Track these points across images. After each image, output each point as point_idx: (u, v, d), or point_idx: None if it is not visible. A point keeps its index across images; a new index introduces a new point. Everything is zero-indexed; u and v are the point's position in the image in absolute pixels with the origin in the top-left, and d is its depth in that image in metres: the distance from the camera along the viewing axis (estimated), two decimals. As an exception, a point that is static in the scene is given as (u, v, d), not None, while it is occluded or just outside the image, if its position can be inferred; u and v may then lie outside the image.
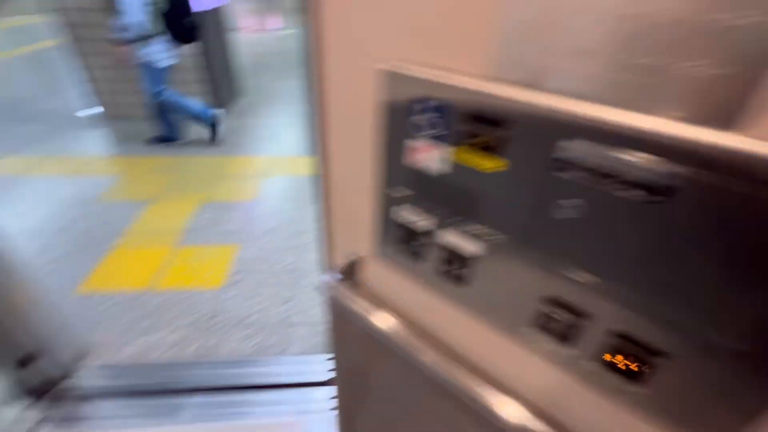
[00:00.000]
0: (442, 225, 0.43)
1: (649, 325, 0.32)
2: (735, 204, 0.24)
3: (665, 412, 0.34)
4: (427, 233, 0.45)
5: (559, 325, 0.37)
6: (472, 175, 0.37)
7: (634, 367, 0.34)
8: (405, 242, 0.48)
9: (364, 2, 0.38)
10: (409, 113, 0.39)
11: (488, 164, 0.35)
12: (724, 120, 0.24)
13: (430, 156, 0.39)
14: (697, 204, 0.26)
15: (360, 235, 0.55)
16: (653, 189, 0.27)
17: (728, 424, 0.30)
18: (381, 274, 0.56)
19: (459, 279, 0.44)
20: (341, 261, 0.59)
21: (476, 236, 0.40)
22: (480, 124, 0.35)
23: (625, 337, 0.34)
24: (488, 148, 0.35)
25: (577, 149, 0.29)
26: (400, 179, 0.44)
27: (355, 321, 0.56)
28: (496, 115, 0.33)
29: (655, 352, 0.32)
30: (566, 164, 0.30)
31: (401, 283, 0.53)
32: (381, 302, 0.56)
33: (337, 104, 0.47)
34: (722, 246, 0.26)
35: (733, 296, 0.26)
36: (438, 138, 0.38)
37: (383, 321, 0.54)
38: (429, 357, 0.50)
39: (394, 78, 0.38)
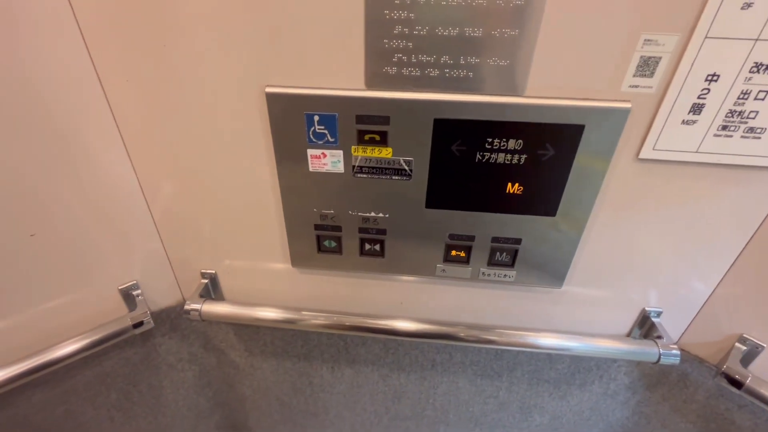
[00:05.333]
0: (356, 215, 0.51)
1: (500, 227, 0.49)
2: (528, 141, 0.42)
3: (527, 277, 0.53)
4: (344, 225, 0.52)
5: (460, 250, 0.52)
6: (374, 164, 0.46)
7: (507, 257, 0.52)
8: (324, 240, 0.54)
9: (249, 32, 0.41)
10: (307, 126, 0.44)
11: (383, 153, 0.45)
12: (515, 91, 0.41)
13: (333, 158, 0.46)
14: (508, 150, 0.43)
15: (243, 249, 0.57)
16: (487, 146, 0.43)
17: (559, 266, 0.51)
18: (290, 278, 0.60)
19: (379, 253, 0.54)
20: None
21: (385, 213, 0.50)
22: (366, 125, 0.44)
23: (497, 240, 0.51)
24: (377, 142, 0.45)
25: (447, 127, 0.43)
26: (307, 187, 0.49)
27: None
28: (377, 114, 0.43)
29: (515, 242, 0.50)
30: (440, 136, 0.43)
31: (323, 279, 0.59)
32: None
33: (226, 127, 0.47)
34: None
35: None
36: (334, 142, 0.45)
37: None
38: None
39: (284, 98, 0.43)
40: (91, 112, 0.46)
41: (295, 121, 0.45)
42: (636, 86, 0.39)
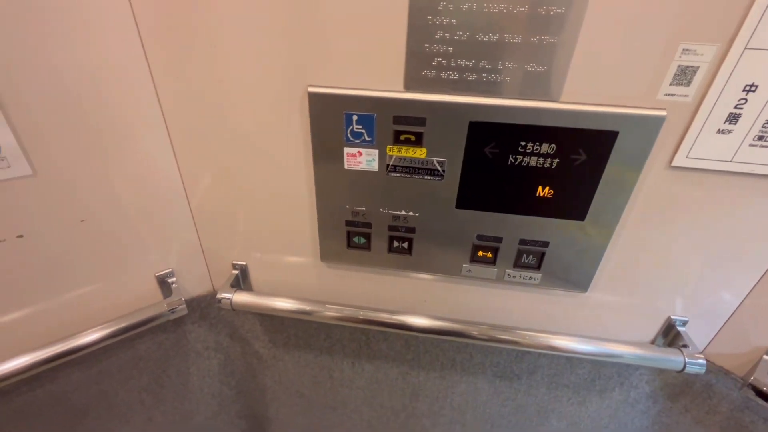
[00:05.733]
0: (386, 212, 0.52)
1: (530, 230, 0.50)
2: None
3: (553, 280, 0.54)
4: (374, 223, 0.53)
5: (486, 251, 0.53)
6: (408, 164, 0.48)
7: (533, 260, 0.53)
8: (354, 236, 0.55)
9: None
10: (345, 125, 0.46)
11: (418, 153, 0.47)
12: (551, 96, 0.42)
13: (369, 157, 0.48)
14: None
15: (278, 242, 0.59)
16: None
17: (586, 271, 0.52)
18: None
19: (407, 251, 0.55)
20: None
21: (414, 212, 0.52)
22: (402, 125, 0.46)
23: (524, 242, 0.51)
24: (412, 142, 0.47)
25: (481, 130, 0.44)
26: (341, 184, 0.51)
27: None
28: (414, 116, 0.44)
29: (542, 244, 0.51)
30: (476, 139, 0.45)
31: (352, 275, 0.60)
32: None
33: (266, 124, 0.49)
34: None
35: (574, 195, 0.46)
36: (371, 141, 0.47)
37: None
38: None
39: (325, 98, 0.45)
40: (142, 107, 0.48)
41: (334, 120, 0.46)
42: (672, 95, 0.40)
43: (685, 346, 0.54)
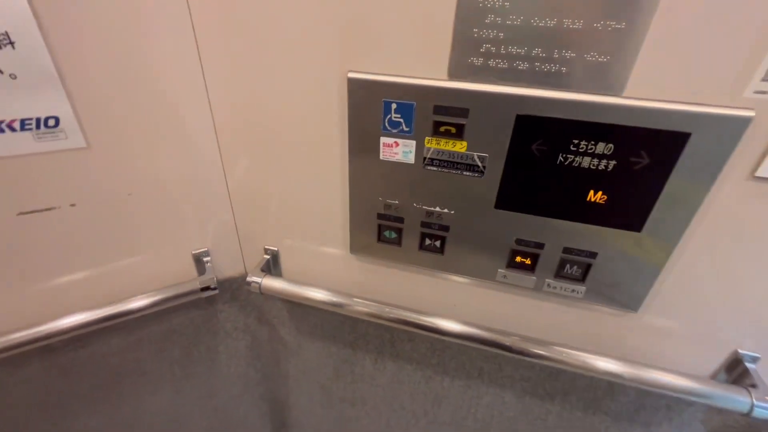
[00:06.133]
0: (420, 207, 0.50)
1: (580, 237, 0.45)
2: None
3: (598, 295, 0.49)
4: (406, 217, 0.51)
5: (525, 257, 0.49)
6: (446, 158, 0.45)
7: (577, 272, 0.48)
8: (385, 230, 0.54)
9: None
10: (383, 113, 0.44)
11: (457, 147, 0.44)
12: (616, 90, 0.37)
13: (406, 148, 0.46)
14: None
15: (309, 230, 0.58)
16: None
17: (638, 288, 0.47)
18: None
19: (439, 249, 0.53)
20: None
21: (450, 209, 0.49)
22: (443, 116, 0.43)
23: (568, 251, 0.47)
24: (452, 135, 0.44)
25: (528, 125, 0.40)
26: (376, 175, 0.49)
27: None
28: (456, 106, 0.42)
29: (589, 255, 0.46)
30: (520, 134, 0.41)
31: (380, 269, 0.59)
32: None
33: (305, 110, 0.49)
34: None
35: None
36: (408, 132, 0.45)
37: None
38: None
39: (364, 84, 0.44)
40: (188, 90, 0.50)
41: (373, 108, 0.45)
42: (763, 92, 0.34)
43: (753, 386, 0.47)
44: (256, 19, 0.44)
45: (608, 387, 0.60)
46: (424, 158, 0.46)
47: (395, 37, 0.41)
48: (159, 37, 0.45)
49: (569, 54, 0.37)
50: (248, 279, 0.61)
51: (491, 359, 0.63)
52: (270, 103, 0.50)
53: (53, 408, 0.66)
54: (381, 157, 0.48)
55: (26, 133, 0.44)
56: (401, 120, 0.45)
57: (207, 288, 0.61)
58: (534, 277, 0.51)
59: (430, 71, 0.41)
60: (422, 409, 0.78)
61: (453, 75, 0.41)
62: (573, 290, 0.50)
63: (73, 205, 0.51)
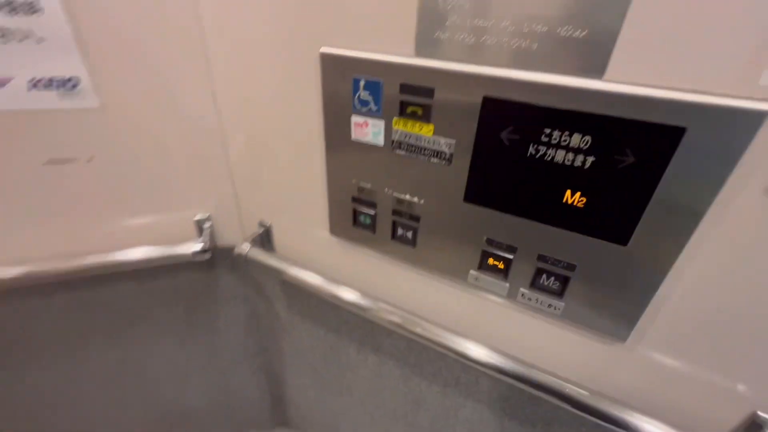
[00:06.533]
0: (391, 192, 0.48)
1: (558, 246, 0.40)
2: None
3: (579, 315, 0.42)
4: (379, 203, 0.49)
5: (498, 260, 0.44)
6: (412, 141, 0.43)
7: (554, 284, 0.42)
8: (359, 215, 0.52)
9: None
10: (353, 91, 0.43)
11: (424, 130, 0.41)
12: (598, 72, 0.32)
13: (375, 129, 0.44)
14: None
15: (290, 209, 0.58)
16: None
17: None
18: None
19: (410, 241, 0.50)
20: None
21: (420, 196, 0.46)
22: (408, 95, 0.40)
23: (544, 259, 0.41)
24: (418, 117, 0.41)
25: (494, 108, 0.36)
26: (348, 155, 0.48)
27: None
28: (421, 85, 0.39)
29: (567, 267, 0.40)
30: (487, 120, 0.37)
31: (356, 255, 0.57)
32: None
33: (285, 85, 0.50)
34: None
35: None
36: (377, 111, 0.43)
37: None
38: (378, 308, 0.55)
39: (336, 60, 0.43)
40: (192, 63, 0.53)
41: (344, 86, 0.44)
42: (784, 79, 0.26)
43: (771, 460, 0.37)
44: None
45: (596, 427, 0.52)
46: (393, 141, 0.44)
47: (364, 9, 0.39)
48: (168, 14, 0.49)
49: (540, 27, 0.32)
50: (235, 248, 0.63)
51: (468, 370, 0.59)
52: (258, 80, 0.51)
53: (74, 339, 0.75)
54: (352, 137, 0.46)
55: (52, 92, 0.51)
56: (370, 98, 0.43)
57: (204, 251, 0.65)
58: (507, 284, 0.46)
59: (397, 46, 0.39)
60: (402, 410, 0.75)
61: (419, 51, 0.38)
62: (550, 305, 0.44)
63: (90, 159, 0.57)
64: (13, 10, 0.45)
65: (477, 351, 0.51)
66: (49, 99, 0.51)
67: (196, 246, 0.65)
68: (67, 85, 0.51)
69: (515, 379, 0.49)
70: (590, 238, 0.38)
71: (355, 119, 0.45)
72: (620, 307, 0.40)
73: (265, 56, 0.48)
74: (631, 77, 0.31)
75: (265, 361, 0.93)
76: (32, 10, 0.46)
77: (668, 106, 0.30)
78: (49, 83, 0.50)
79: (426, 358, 0.63)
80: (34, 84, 0.50)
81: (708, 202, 0.32)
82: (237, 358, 0.90)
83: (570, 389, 0.46)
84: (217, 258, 0.72)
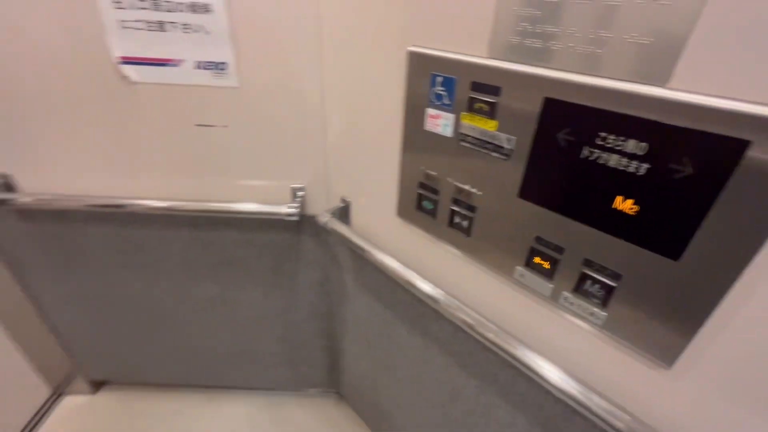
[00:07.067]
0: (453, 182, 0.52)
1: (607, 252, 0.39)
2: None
3: (621, 330, 0.41)
4: (441, 191, 0.54)
5: (545, 259, 0.46)
6: (477, 135, 0.46)
7: (598, 292, 0.42)
8: (424, 200, 0.58)
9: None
10: (430, 85, 0.49)
11: (489, 125, 0.45)
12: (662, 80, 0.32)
13: (445, 121, 0.49)
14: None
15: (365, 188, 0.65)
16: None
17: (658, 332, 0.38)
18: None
19: (465, 230, 0.53)
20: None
21: (480, 189, 0.49)
22: (477, 93, 0.44)
23: (590, 264, 0.41)
24: (485, 112, 0.45)
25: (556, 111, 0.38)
26: (420, 144, 0.54)
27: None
28: (490, 84, 0.42)
29: (613, 276, 0.40)
30: (547, 123, 0.39)
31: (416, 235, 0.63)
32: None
33: (375, 77, 0.58)
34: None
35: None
36: (449, 106, 0.48)
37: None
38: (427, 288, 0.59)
39: (420, 57, 0.49)
40: (308, 57, 0.64)
41: (423, 81, 0.50)
42: None
43: None
44: (351, 4, 0.54)
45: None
46: (460, 133, 0.48)
47: (447, 14, 0.44)
48: (295, 22, 0.61)
49: (606, 34, 0.34)
50: (319, 217, 0.74)
51: (506, 368, 0.59)
52: (355, 73, 0.60)
53: (193, 268, 0.95)
54: (425, 127, 0.52)
55: (208, 71, 0.67)
56: (444, 93, 0.48)
57: (294, 214, 0.78)
58: (551, 285, 0.46)
59: (472, 48, 0.43)
60: (440, 399, 0.77)
61: (492, 53, 0.42)
62: (591, 313, 0.43)
63: (225, 126, 0.73)
64: (195, 10, 0.61)
65: (508, 343, 0.52)
66: (206, 77, 0.68)
67: (290, 209, 0.77)
68: (219, 67, 0.66)
69: (537, 376, 0.49)
70: (639, 249, 0.37)
71: (430, 111, 0.51)
72: (667, 328, 0.38)
73: (363, 54, 0.57)
74: (696, 86, 0.30)
75: (328, 326, 1.04)
76: (207, 10, 0.61)
77: (732, 117, 0.29)
78: (208, 65, 0.66)
79: (468, 348, 0.65)
80: (198, 65, 0.67)
81: (774, 225, 0.30)
82: (306, 316, 1.03)
83: (600, 403, 0.45)
84: (304, 224, 0.84)
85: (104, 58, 0.66)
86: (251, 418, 1.21)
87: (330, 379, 1.20)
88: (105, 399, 1.27)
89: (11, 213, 0.86)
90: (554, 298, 0.47)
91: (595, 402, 0.45)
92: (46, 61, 0.68)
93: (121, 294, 1.01)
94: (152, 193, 0.80)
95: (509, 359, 0.53)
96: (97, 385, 1.28)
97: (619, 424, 0.43)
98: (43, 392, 1.21)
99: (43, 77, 0.69)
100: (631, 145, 0.35)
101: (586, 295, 0.43)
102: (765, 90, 0.28)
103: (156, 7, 0.61)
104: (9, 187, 0.81)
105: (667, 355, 0.39)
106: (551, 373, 0.49)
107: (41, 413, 1.19)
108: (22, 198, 0.80)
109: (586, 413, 0.46)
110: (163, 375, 1.23)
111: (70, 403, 1.24)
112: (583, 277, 0.43)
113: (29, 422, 1.16)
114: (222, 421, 1.21)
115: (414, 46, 0.49)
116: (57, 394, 1.25)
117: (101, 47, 0.65)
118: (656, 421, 0.43)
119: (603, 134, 0.36)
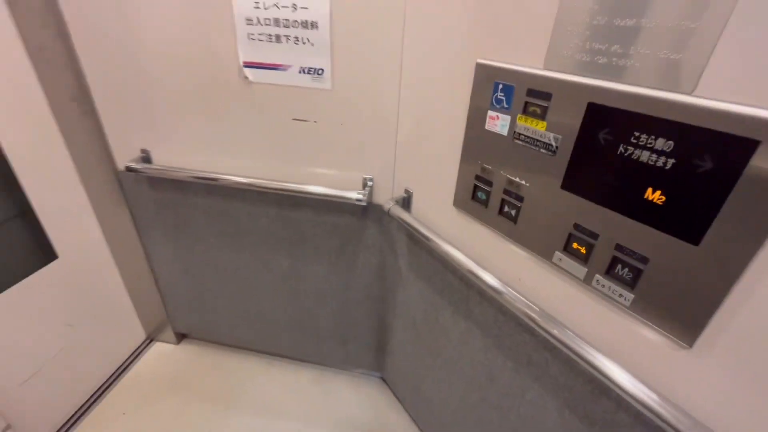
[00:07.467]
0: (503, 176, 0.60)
1: (638, 237, 0.45)
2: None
3: (647, 309, 0.46)
4: (494, 183, 0.63)
5: (581, 245, 0.52)
6: (529, 134, 0.55)
7: (627, 275, 0.47)
8: (478, 191, 0.66)
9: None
10: (493, 91, 0.58)
11: (540, 126, 0.53)
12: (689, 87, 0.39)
13: (503, 122, 0.58)
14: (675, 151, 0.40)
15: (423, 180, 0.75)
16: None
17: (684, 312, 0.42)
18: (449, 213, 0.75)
19: (513, 218, 0.61)
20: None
21: (528, 182, 0.57)
22: (532, 98, 0.53)
23: (621, 249, 0.47)
24: (537, 115, 0.53)
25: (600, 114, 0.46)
26: (480, 141, 0.63)
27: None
28: (543, 90, 0.51)
29: (641, 259, 0.46)
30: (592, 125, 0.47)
31: (468, 222, 0.71)
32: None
33: (446, 87, 0.68)
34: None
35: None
36: (507, 108, 0.57)
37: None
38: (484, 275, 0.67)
39: (485, 68, 0.59)
40: (391, 68, 0.77)
41: (487, 88, 0.59)
42: None
43: None
44: (431, 24, 0.65)
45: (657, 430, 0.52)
46: (514, 132, 0.57)
47: (511, 33, 0.54)
48: (381, 36, 0.74)
49: (644, 50, 0.41)
50: (384, 205, 0.86)
51: (540, 349, 0.65)
52: (429, 81, 0.71)
53: (272, 241, 1.11)
54: (486, 127, 0.61)
55: (309, 76, 0.83)
56: (504, 98, 0.57)
57: (360, 200, 0.90)
58: (586, 269, 0.52)
59: (530, 60, 0.52)
60: (477, 382, 0.83)
61: (546, 65, 0.50)
62: (620, 294, 0.49)
63: (316, 121, 0.88)
64: (306, 26, 0.77)
65: (540, 317, 0.58)
66: (307, 80, 0.83)
67: (359, 195, 0.90)
68: (318, 72, 0.81)
69: (579, 360, 0.54)
70: (665, 235, 0.43)
71: (490, 113, 0.60)
72: (688, 308, 0.43)
73: (437, 65, 0.68)
74: (717, 94, 0.37)
75: (381, 308, 1.14)
76: (315, 27, 0.77)
77: (745, 120, 0.35)
78: (308, 70, 0.82)
79: (506, 331, 0.71)
80: (302, 70, 0.82)
81: (782, 214, 0.35)
82: (361, 297, 1.14)
83: (621, 382, 0.49)
84: (370, 211, 0.96)
85: (232, 63, 0.85)
86: (301, 389, 1.35)
87: (376, 361, 1.30)
88: (185, 350, 1.49)
89: (145, 180, 1.08)
90: (588, 281, 0.52)
91: (627, 381, 0.49)
92: (181, 63, 0.88)
93: (212, 260, 1.20)
94: (251, 172, 0.97)
95: (556, 344, 0.58)
96: (180, 337, 1.51)
97: (649, 402, 0.47)
98: (140, 335, 1.45)
99: (178, 76, 0.89)
100: (659, 143, 0.41)
101: (617, 277, 0.49)
102: (772, 98, 0.33)
103: (277, 23, 0.78)
104: (147, 159, 1.04)
105: (688, 335, 0.44)
106: (591, 355, 0.53)
107: (136, 353, 1.44)
108: (153, 169, 1.02)
109: (620, 392, 0.50)
110: (234, 337, 1.42)
111: (159, 349, 1.48)
112: (615, 261, 0.49)
113: (127, 359, 1.40)
114: (276, 385, 1.36)
115: (481, 58, 0.59)
116: (150, 339, 1.49)
117: (232, 54, 0.84)
118: (681, 401, 0.47)
119: (637, 134, 0.43)
